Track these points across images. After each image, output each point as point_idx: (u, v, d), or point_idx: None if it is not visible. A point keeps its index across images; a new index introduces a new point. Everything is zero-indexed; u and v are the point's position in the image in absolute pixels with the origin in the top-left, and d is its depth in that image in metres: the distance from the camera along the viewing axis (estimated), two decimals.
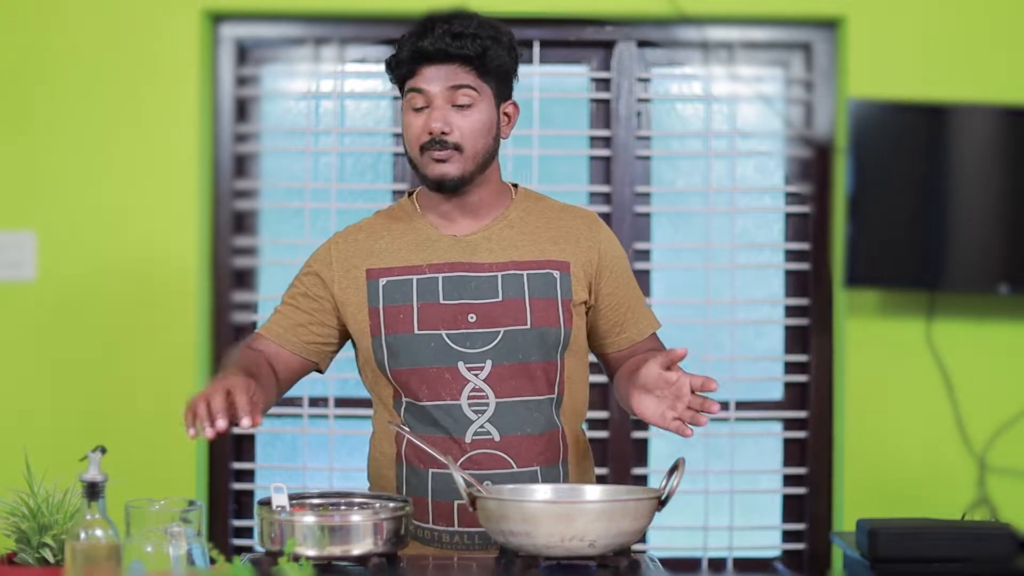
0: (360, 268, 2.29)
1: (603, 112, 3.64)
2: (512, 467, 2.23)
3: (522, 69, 3.54)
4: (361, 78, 3.65)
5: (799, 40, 3.61)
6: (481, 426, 2.23)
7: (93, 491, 1.74)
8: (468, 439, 2.23)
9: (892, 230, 3.45)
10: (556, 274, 2.28)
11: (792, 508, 3.65)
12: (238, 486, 3.61)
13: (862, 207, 3.43)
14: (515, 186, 2.39)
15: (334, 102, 3.62)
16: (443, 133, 2.23)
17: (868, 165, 3.42)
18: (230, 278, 3.58)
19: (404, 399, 2.27)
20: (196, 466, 3.46)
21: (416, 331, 2.23)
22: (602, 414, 3.58)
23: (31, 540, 1.92)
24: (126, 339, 3.47)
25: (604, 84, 3.63)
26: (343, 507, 2.10)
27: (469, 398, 2.23)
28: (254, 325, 3.58)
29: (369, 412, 2.44)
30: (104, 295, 3.47)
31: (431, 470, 2.25)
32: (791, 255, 3.65)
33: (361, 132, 3.68)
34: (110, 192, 3.48)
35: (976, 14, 3.51)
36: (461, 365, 2.23)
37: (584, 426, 2.41)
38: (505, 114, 2.32)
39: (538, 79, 3.63)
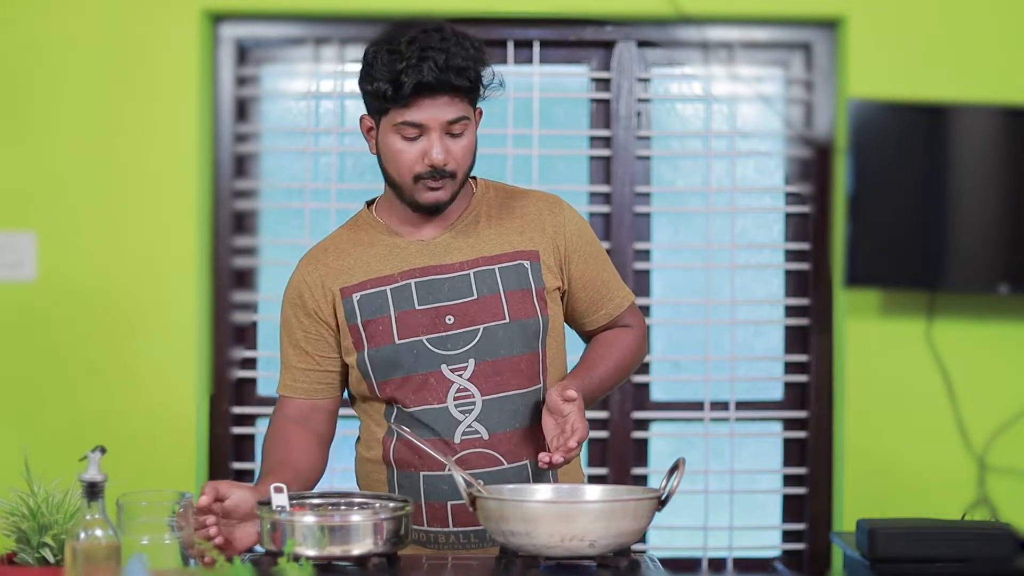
0: (334, 289, 2.28)
1: (603, 112, 3.63)
2: (503, 464, 2.23)
3: (522, 69, 3.62)
4: None
5: (799, 40, 3.61)
6: (469, 425, 2.23)
7: (93, 491, 1.74)
8: (457, 440, 2.22)
9: (892, 230, 3.45)
10: (527, 264, 2.27)
11: (792, 508, 3.65)
12: None
13: (862, 207, 3.43)
14: (474, 179, 2.36)
15: (334, 102, 3.62)
16: (443, 164, 2.21)
17: (868, 165, 3.42)
18: (230, 278, 3.58)
19: (395, 406, 2.27)
20: (196, 466, 3.45)
21: (397, 341, 2.23)
22: (602, 414, 3.58)
23: (31, 540, 1.92)
24: (126, 339, 3.47)
25: (604, 84, 3.63)
26: (343, 507, 2.10)
27: (455, 399, 2.23)
28: (254, 325, 3.59)
29: None
30: (104, 295, 3.47)
31: (422, 473, 2.25)
32: (791, 255, 3.65)
33: (361, 132, 3.67)
34: (110, 192, 3.48)
35: (976, 14, 3.51)
36: (444, 368, 2.23)
37: None
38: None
39: (538, 79, 3.63)
